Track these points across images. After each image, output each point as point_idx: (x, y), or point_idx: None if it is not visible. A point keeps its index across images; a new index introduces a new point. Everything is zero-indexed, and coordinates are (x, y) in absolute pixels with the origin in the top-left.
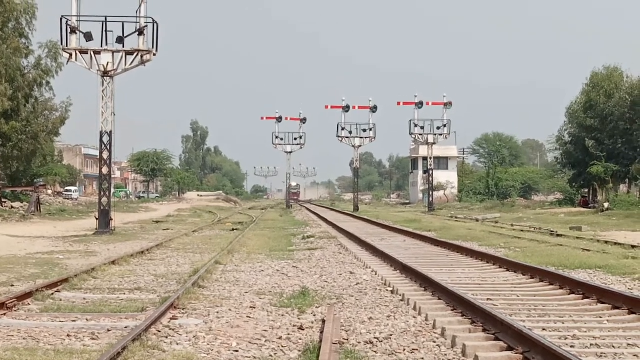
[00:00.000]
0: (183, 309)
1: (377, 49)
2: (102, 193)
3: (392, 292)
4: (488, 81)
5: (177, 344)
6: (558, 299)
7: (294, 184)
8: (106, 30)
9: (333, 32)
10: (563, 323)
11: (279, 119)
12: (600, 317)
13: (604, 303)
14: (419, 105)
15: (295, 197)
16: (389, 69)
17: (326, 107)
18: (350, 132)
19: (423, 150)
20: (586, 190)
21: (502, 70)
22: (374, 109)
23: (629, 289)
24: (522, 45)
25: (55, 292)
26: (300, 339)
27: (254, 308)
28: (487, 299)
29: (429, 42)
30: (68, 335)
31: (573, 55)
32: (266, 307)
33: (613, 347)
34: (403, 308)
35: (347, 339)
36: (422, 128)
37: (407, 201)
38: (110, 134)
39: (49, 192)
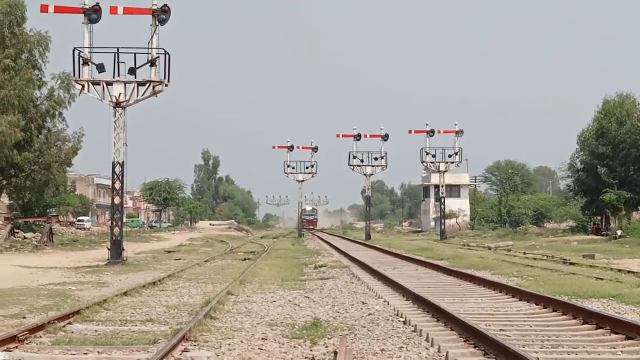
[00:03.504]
0: (195, 341)
1: (389, 78)
2: (114, 223)
3: (404, 322)
4: (500, 108)
5: None
6: (571, 329)
7: (309, 208)
8: (118, 62)
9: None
10: (577, 354)
11: (291, 148)
12: (614, 348)
13: (617, 333)
14: (430, 133)
15: (312, 226)
16: (400, 98)
17: (337, 135)
18: (362, 161)
19: (435, 178)
20: (599, 218)
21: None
22: (385, 137)
23: None
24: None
25: (67, 324)
26: None
27: (266, 339)
28: (500, 330)
29: (441, 73)
30: None
31: (585, 84)
32: (278, 339)
33: None
34: (415, 339)
35: None
36: (434, 156)
37: (419, 229)
38: (122, 165)
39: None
